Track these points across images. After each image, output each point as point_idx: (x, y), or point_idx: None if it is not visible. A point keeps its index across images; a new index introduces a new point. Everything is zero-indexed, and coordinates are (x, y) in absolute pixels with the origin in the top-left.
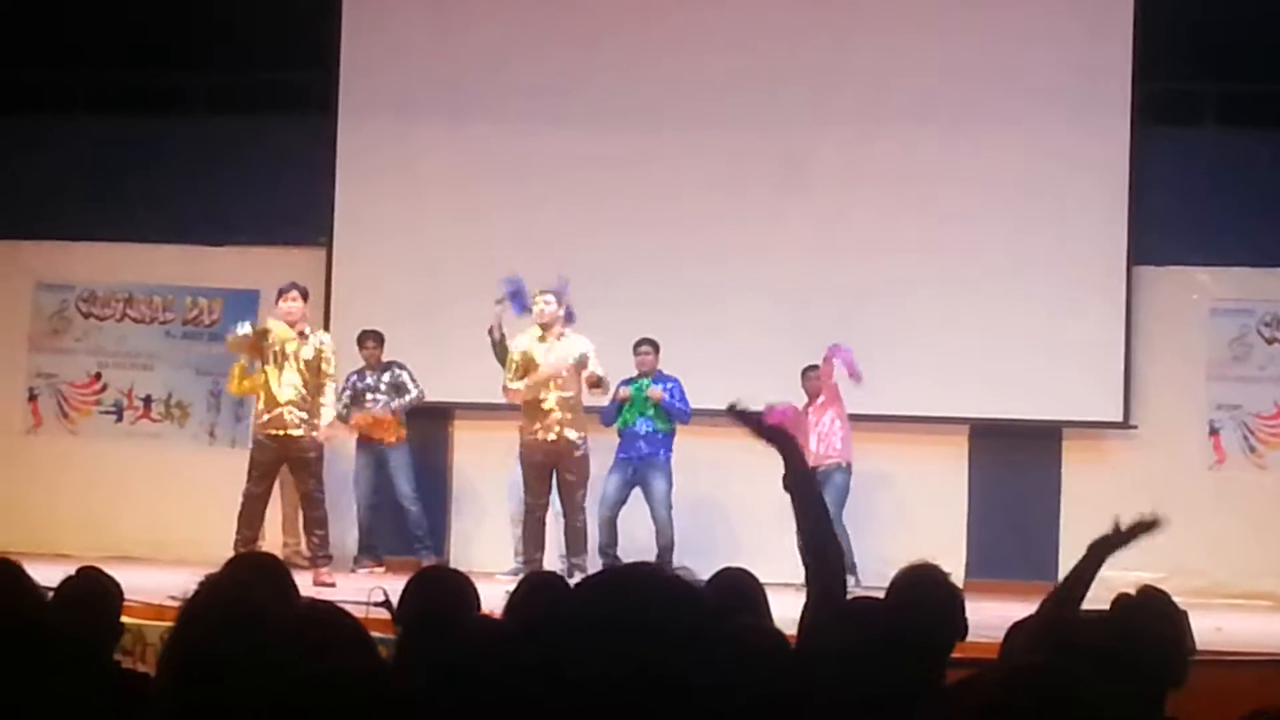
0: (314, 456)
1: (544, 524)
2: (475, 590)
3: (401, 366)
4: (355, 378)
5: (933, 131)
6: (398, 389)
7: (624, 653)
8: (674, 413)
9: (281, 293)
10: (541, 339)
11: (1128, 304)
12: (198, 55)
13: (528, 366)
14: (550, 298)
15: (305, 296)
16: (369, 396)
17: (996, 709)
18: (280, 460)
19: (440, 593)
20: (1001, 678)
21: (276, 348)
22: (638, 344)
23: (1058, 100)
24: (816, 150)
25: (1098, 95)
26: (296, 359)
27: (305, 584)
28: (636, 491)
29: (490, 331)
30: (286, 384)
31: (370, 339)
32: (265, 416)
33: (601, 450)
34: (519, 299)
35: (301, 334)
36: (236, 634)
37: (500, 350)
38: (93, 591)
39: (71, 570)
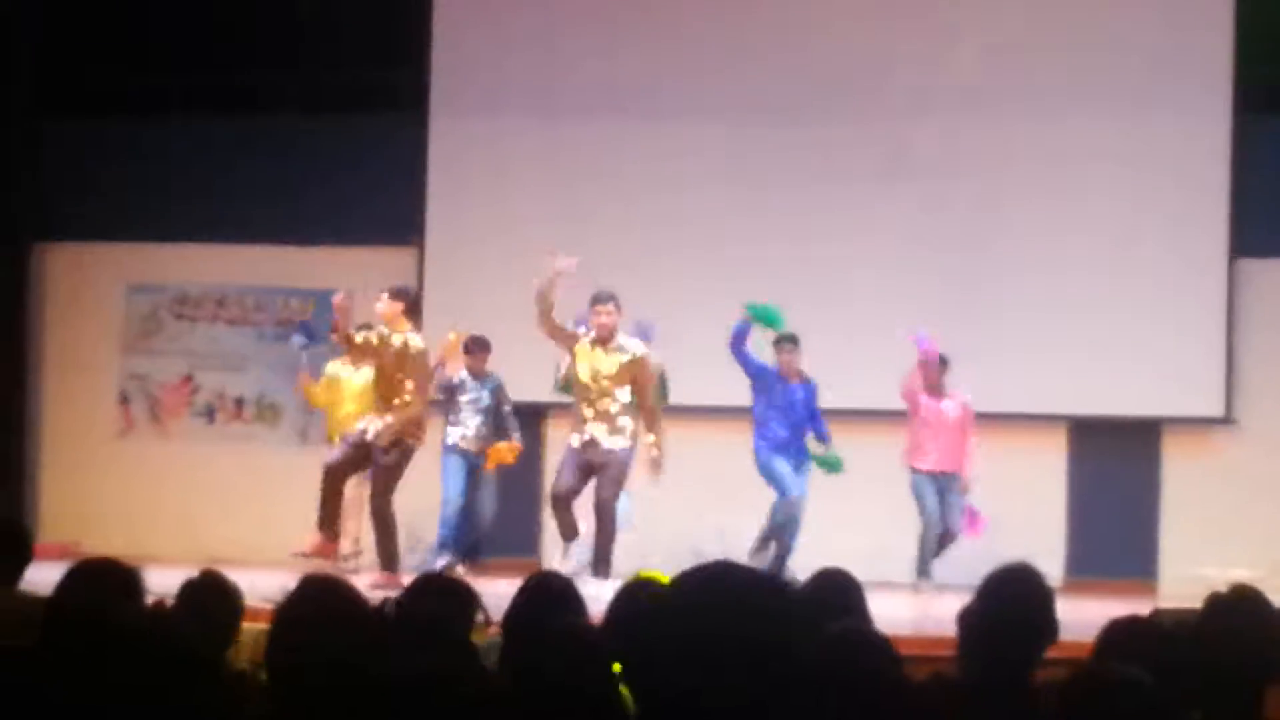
0: None
1: None
2: (578, 594)
3: (500, 386)
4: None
5: (1031, 124)
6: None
7: (717, 661)
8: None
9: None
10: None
11: (1229, 297)
12: (287, 56)
13: None
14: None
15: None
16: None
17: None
18: None
19: (546, 597)
20: (1069, 683)
21: None
22: (778, 340)
23: (1157, 90)
24: (917, 141)
25: (1198, 85)
26: None
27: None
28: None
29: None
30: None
31: (479, 346)
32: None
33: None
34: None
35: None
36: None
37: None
38: (211, 592)
39: (164, 573)
